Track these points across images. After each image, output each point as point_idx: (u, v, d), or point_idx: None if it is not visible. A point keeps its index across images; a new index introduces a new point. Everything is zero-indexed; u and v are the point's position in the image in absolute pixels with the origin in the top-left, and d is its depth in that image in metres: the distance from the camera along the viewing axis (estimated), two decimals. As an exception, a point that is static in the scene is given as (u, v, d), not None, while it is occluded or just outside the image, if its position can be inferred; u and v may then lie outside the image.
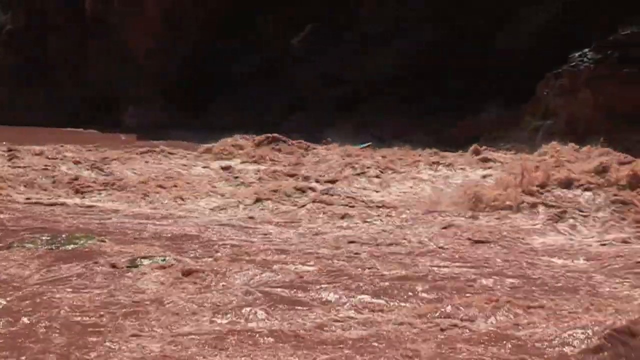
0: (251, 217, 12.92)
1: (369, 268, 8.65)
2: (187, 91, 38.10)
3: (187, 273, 8.13)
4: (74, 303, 7.06)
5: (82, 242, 9.81)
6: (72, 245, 9.61)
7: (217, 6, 40.23)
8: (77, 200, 14.62)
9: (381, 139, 25.80)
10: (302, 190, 14.97)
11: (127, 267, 8.54)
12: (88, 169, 18.99)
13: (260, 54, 38.91)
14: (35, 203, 14.09)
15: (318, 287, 7.73)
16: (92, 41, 43.42)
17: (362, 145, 24.51)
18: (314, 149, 23.86)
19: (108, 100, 40.74)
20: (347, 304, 7.19)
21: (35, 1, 45.50)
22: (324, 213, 12.84)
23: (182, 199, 14.71)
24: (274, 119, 32.47)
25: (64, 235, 10.14)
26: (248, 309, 6.89)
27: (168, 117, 36.70)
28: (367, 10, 36.72)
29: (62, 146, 23.17)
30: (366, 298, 7.41)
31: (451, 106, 29.70)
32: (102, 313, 6.81)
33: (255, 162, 21.47)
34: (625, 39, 25.91)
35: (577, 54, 26.53)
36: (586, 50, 26.37)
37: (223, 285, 7.81)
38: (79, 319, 6.62)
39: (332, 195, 14.56)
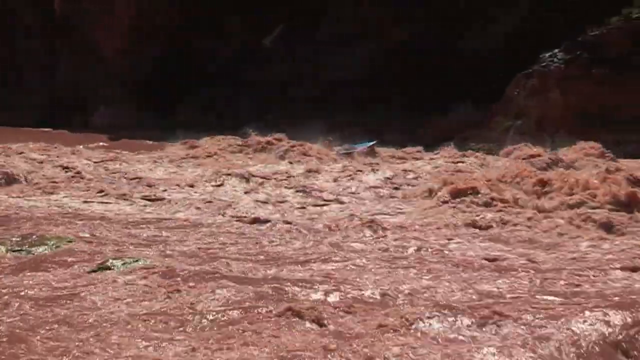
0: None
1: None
2: (158, 91, 37.85)
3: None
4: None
5: (52, 242, 9.64)
6: (43, 247, 9.44)
7: (188, 6, 40.03)
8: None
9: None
10: None
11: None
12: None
13: (231, 54, 38.79)
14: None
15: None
16: (61, 41, 43.02)
17: (365, 144, 23.70)
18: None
19: (78, 101, 40.38)
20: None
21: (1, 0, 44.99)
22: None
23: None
24: (245, 119, 32.36)
25: (34, 237, 9.94)
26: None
27: (138, 117, 36.45)
28: (337, 10, 36.74)
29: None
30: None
31: (421, 106, 29.81)
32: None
33: None
34: (594, 40, 26.16)
35: (547, 54, 26.72)
36: (556, 50, 26.57)
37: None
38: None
39: None
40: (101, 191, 15.15)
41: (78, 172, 17.63)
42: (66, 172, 17.79)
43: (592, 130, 23.28)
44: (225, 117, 32.61)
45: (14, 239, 9.88)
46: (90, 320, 6.55)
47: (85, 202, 14.11)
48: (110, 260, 8.63)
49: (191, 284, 7.61)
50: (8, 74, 42.63)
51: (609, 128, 23.51)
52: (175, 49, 39.81)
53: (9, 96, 40.68)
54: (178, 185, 16.46)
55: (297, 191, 15.80)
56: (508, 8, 31.36)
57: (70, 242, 9.74)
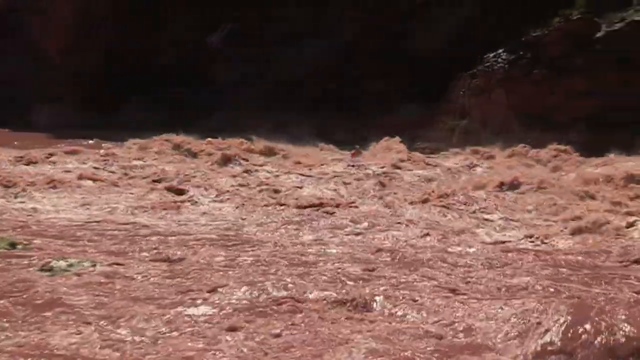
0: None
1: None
2: (102, 90, 37.39)
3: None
4: None
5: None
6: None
7: (131, 4, 39.55)
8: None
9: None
10: None
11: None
12: None
13: (177, 54, 38.54)
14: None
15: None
16: (1, 40, 42.22)
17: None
18: None
19: (19, 100, 39.68)
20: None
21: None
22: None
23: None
24: (192, 119, 32.21)
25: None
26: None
27: (82, 117, 35.94)
28: (284, 10, 36.74)
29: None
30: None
31: (368, 105, 30.00)
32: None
33: None
34: (536, 40, 26.55)
35: (491, 55, 27.05)
36: (500, 50, 26.89)
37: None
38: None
39: None
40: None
41: None
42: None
43: (535, 130, 23.64)
44: (172, 117, 32.34)
45: None
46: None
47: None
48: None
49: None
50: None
51: (548, 127, 23.80)
52: (120, 48, 39.38)
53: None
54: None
55: None
56: (453, 8, 31.69)
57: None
